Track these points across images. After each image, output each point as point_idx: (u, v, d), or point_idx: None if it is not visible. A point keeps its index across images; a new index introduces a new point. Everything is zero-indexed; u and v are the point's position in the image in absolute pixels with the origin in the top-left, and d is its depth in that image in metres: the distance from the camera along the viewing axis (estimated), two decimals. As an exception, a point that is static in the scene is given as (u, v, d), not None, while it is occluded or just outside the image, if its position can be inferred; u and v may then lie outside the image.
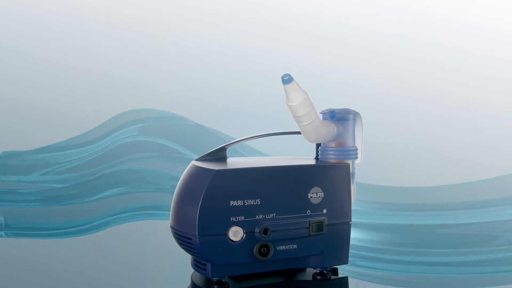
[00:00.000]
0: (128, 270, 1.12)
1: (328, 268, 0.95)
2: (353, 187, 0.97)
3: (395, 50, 1.30)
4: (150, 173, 1.52)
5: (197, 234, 0.83)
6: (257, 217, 0.86)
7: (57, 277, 1.08)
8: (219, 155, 0.99)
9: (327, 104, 0.98)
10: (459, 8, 1.31)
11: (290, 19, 1.35)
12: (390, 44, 1.29)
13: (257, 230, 0.86)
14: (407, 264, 1.18)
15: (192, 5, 1.42)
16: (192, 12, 1.42)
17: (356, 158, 0.98)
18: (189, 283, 0.94)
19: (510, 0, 1.33)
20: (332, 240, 0.92)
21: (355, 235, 1.21)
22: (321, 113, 0.99)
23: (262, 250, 0.86)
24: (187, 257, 0.95)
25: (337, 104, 0.98)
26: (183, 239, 0.87)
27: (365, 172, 1.02)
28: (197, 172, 0.88)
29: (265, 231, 0.86)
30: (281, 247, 0.88)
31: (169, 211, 0.91)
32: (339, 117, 0.97)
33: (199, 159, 0.96)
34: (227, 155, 1.00)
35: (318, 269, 0.94)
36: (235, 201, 0.85)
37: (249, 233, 0.86)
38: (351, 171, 0.96)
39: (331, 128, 0.94)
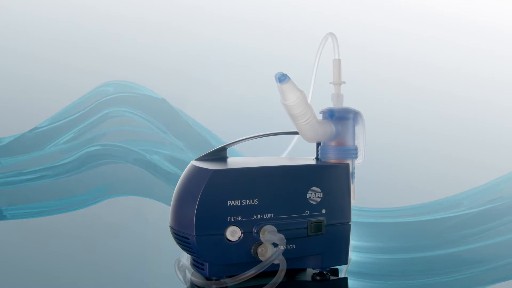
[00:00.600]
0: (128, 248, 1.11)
1: (328, 269, 0.94)
2: (353, 187, 0.96)
3: (395, 50, 1.30)
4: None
5: (194, 233, 0.83)
6: (254, 217, 0.86)
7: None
8: (219, 155, 0.99)
9: (329, 104, 0.98)
10: (459, 8, 1.30)
11: (290, 19, 1.35)
12: (390, 44, 1.30)
13: (254, 230, 0.86)
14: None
15: (193, 6, 1.42)
16: (193, 12, 1.43)
17: (356, 157, 0.97)
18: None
19: (510, 0, 1.32)
20: (331, 240, 0.92)
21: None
22: (320, 112, 0.98)
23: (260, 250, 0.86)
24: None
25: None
26: (181, 239, 0.87)
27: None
28: (195, 172, 0.88)
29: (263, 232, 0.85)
30: (279, 247, 0.88)
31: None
32: (338, 116, 0.96)
33: (199, 159, 0.96)
34: (228, 155, 1.00)
35: (318, 269, 0.93)
36: (233, 201, 0.85)
37: (246, 233, 0.86)
38: (351, 170, 0.96)
39: (329, 127, 0.94)
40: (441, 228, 1.26)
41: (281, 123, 1.01)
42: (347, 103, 0.98)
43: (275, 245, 0.87)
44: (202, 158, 0.97)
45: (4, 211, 1.46)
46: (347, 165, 0.94)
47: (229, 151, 1.00)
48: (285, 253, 0.87)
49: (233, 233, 0.85)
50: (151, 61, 1.45)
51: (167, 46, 1.45)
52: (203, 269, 0.88)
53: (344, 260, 0.94)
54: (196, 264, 0.90)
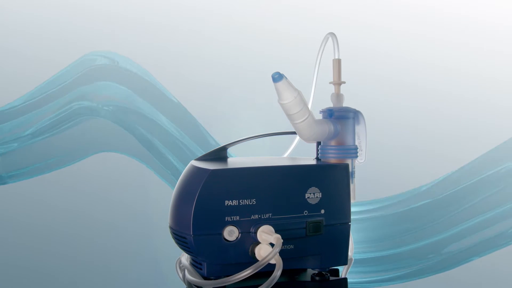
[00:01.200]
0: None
1: (327, 269, 0.94)
2: (352, 187, 0.96)
3: (395, 49, 1.29)
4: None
5: (191, 233, 0.83)
6: (252, 217, 0.86)
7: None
8: (219, 154, 0.99)
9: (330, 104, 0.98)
10: (459, 8, 1.30)
11: (291, 19, 1.34)
12: (389, 43, 1.29)
13: (252, 230, 0.86)
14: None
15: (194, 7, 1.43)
16: (192, 13, 1.42)
17: (356, 157, 0.97)
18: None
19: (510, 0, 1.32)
20: (331, 240, 0.91)
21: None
22: (320, 112, 0.98)
23: None
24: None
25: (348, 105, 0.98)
26: (179, 238, 0.87)
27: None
28: (193, 172, 0.88)
29: None
30: (276, 248, 0.87)
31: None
32: (338, 116, 0.96)
33: (199, 159, 0.96)
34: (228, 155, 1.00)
35: (317, 269, 0.93)
36: (230, 201, 0.85)
37: (244, 233, 0.86)
38: (350, 170, 0.95)
39: (327, 127, 0.94)
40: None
41: (282, 123, 1.00)
42: (347, 103, 0.98)
43: (272, 245, 0.87)
44: (202, 158, 0.97)
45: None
46: (347, 165, 0.93)
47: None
48: (283, 253, 0.87)
49: (230, 233, 0.85)
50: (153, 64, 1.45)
51: (168, 47, 1.45)
52: (201, 269, 0.88)
53: (344, 261, 0.94)
54: (195, 264, 0.90)
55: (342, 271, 1.00)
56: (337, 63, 0.98)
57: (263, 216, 0.87)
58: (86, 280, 1.10)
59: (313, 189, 0.90)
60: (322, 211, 0.90)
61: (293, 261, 0.90)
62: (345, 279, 0.95)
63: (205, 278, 0.88)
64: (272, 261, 0.83)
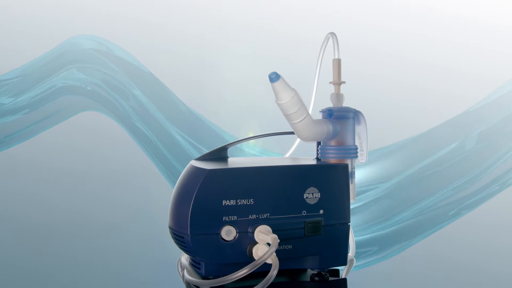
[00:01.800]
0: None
1: (326, 269, 0.94)
2: (352, 187, 0.96)
3: (395, 49, 1.29)
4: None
5: (189, 233, 0.83)
6: (250, 217, 0.86)
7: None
8: (219, 154, 0.99)
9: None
10: (459, 8, 1.29)
11: (291, 19, 1.34)
12: (389, 43, 1.29)
13: (250, 230, 0.86)
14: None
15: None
16: (192, 13, 1.43)
17: (356, 157, 0.97)
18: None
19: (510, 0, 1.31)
20: (330, 241, 0.91)
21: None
22: (320, 112, 0.98)
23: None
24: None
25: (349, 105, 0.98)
26: (178, 238, 0.87)
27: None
28: (192, 172, 0.88)
29: None
30: (273, 247, 0.87)
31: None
32: (337, 116, 0.96)
33: (198, 159, 0.96)
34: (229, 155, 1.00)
35: (316, 270, 0.93)
36: (228, 201, 0.85)
37: (242, 232, 0.86)
38: (350, 170, 0.95)
39: (326, 126, 0.93)
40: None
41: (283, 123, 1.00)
42: (347, 103, 0.98)
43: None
44: (202, 158, 0.97)
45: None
46: (346, 165, 0.93)
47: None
48: (282, 253, 0.87)
49: (228, 233, 0.85)
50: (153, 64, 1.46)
51: (168, 47, 1.46)
52: (199, 268, 0.88)
53: (343, 261, 0.93)
54: (193, 264, 0.91)
55: (343, 271, 0.99)
56: (337, 63, 0.98)
57: (261, 216, 0.86)
58: (86, 279, 1.10)
59: (311, 189, 0.90)
60: (321, 211, 0.90)
61: (291, 261, 0.90)
62: (345, 279, 0.95)
63: (203, 277, 0.88)
64: (269, 261, 0.82)
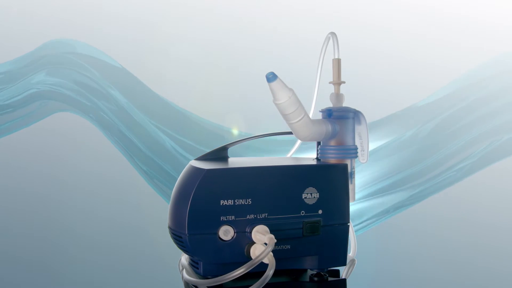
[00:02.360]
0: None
1: (326, 269, 0.93)
2: (352, 187, 0.95)
3: (395, 49, 1.29)
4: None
5: (186, 232, 0.83)
6: (248, 216, 0.86)
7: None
8: (219, 154, 0.99)
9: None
10: (459, 8, 1.29)
11: (291, 19, 1.34)
12: (389, 43, 1.29)
13: (247, 229, 0.85)
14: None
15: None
16: (192, 13, 1.43)
17: (356, 157, 0.96)
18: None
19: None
20: (329, 241, 0.91)
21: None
22: (320, 111, 0.98)
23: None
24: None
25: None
26: (176, 238, 0.87)
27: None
28: (190, 172, 0.88)
29: None
30: (274, 247, 0.87)
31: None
32: (337, 116, 0.95)
33: (198, 159, 0.96)
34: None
35: (316, 270, 0.92)
36: (226, 201, 0.85)
37: (239, 232, 0.85)
38: (350, 170, 0.94)
39: (324, 126, 0.93)
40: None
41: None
42: (347, 103, 0.98)
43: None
44: (202, 158, 0.97)
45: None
46: (345, 165, 0.93)
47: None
48: (280, 253, 0.87)
49: (226, 233, 0.85)
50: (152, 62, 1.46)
51: (168, 49, 1.46)
52: (198, 268, 0.88)
53: (343, 262, 0.93)
54: (192, 263, 0.91)
55: (343, 272, 0.99)
56: (337, 63, 0.98)
57: (259, 216, 0.86)
58: (87, 278, 1.10)
59: (310, 189, 0.89)
60: (320, 212, 0.90)
61: (290, 261, 0.90)
62: (344, 280, 0.95)
63: (202, 277, 0.88)
64: (265, 261, 0.82)
